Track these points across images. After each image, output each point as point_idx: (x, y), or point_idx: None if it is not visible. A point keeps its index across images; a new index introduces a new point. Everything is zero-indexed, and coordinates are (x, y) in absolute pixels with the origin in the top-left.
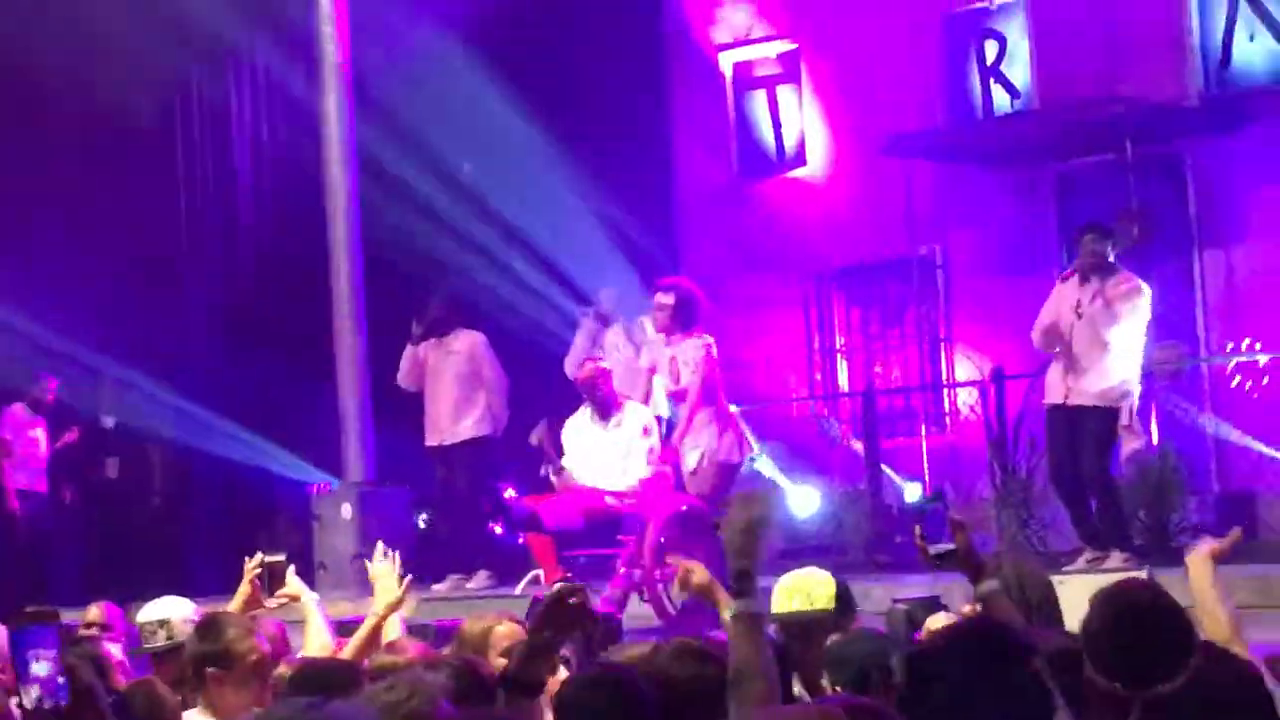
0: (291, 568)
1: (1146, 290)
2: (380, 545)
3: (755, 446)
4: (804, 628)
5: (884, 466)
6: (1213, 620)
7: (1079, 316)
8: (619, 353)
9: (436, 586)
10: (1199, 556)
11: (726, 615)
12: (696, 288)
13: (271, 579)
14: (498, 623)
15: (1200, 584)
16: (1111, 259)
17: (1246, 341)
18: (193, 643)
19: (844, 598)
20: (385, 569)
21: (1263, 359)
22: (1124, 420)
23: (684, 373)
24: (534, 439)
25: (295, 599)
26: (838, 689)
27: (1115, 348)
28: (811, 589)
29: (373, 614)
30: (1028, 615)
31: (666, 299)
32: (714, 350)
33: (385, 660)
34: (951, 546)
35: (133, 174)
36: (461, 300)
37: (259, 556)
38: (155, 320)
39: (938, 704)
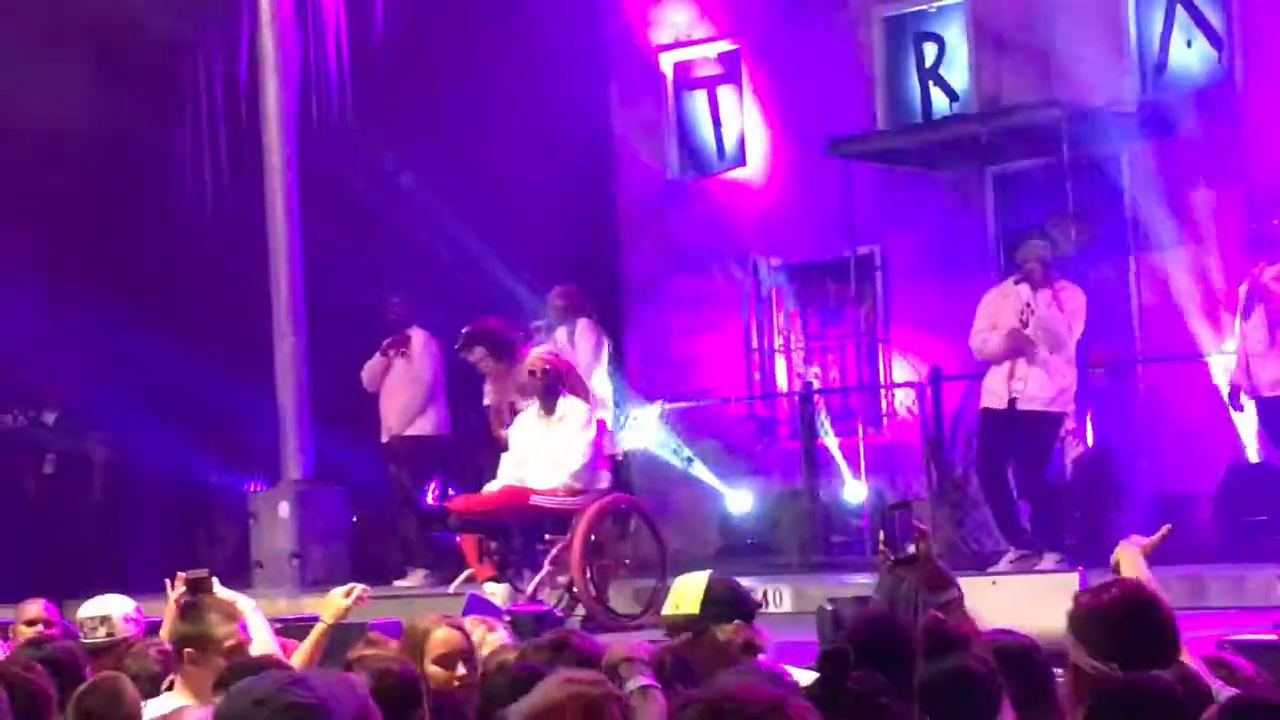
0: (215, 580)
1: (1082, 293)
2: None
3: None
4: (678, 630)
5: (837, 457)
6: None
7: (1024, 324)
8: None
9: (400, 582)
10: (1129, 551)
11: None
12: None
13: (198, 593)
14: (436, 627)
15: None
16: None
17: None
18: (176, 625)
19: (721, 601)
20: (340, 591)
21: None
22: (1070, 425)
23: None
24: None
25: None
26: None
27: (1061, 354)
28: (681, 594)
29: (321, 623)
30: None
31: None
32: None
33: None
34: (913, 553)
35: (68, 169)
36: (418, 300)
37: (180, 578)
38: (94, 318)
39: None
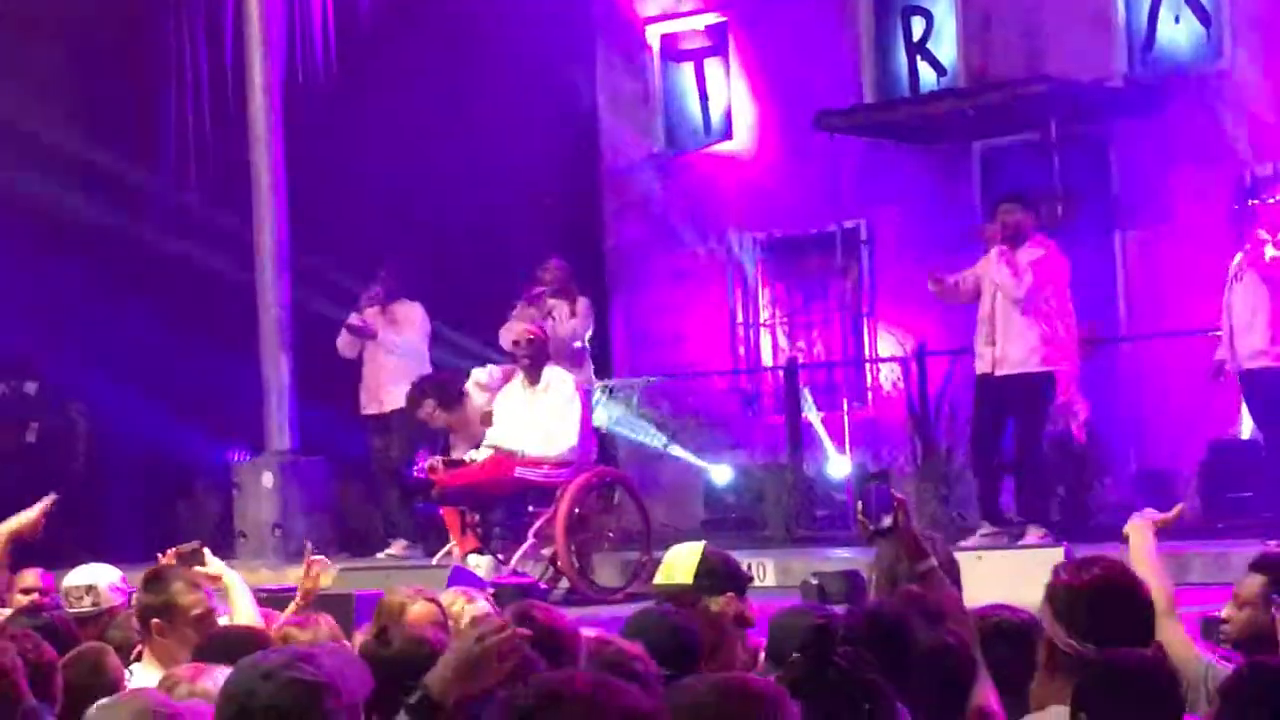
0: (207, 551)
1: (1055, 253)
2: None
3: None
4: (671, 600)
5: (821, 433)
6: (1152, 588)
7: (995, 288)
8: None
9: (385, 553)
10: (1141, 526)
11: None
12: None
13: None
14: (413, 601)
15: (1139, 554)
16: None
17: None
18: (139, 595)
19: (715, 573)
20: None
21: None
22: (1063, 386)
23: None
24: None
25: (217, 580)
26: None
27: (1034, 314)
28: (674, 564)
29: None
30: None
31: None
32: None
33: (288, 634)
34: (890, 523)
35: (49, 140)
36: (406, 271)
37: (171, 552)
38: (78, 288)
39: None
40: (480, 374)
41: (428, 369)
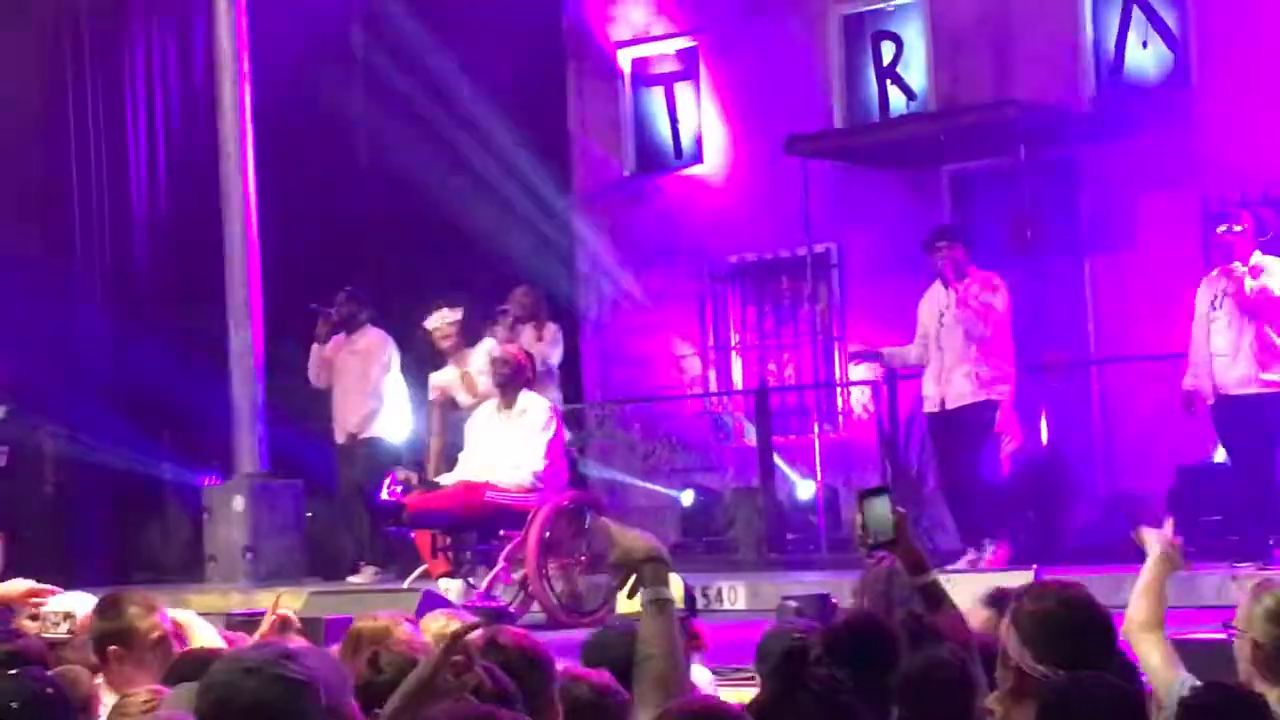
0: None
1: (1001, 284)
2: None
3: None
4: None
5: (778, 460)
6: (1151, 606)
7: (941, 324)
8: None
9: (353, 578)
10: (1168, 555)
11: (637, 601)
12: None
13: None
14: (395, 624)
15: (1155, 576)
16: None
17: None
18: (94, 621)
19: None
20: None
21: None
22: (1001, 416)
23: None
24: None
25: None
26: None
27: (982, 345)
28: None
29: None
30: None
31: (455, 315)
32: None
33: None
34: (892, 537)
35: (23, 160)
36: (367, 298)
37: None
38: (47, 311)
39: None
40: (487, 348)
41: (388, 395)
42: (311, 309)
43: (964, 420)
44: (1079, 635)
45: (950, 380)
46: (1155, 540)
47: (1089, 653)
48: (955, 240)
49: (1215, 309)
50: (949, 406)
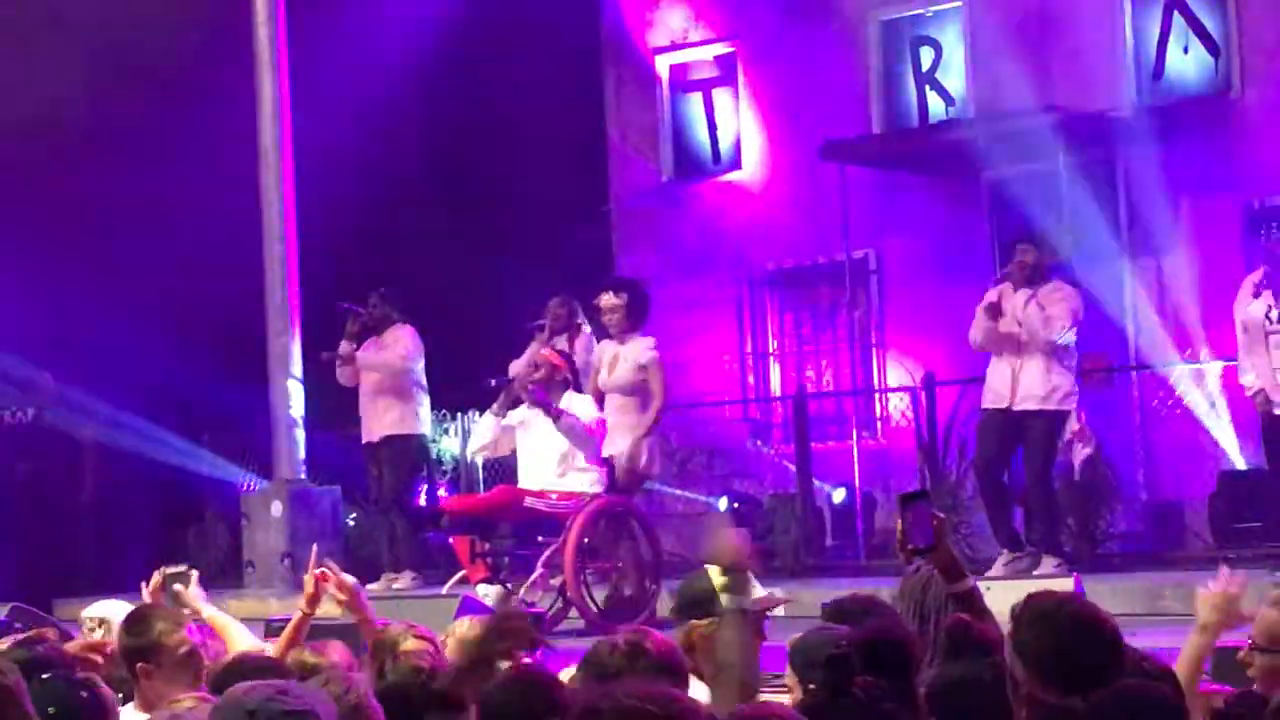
0: (194, 574)
1: (1077, 295)
2: (314, 549)
3: None
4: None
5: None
6: (1188, 676)
7: (1018, 324)
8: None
9: (370, 586)
10: (1217, 622)
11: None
12: (646, 289)
13: (176, 587)
14: (404, 636)
15: (1195, 652)
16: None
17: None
18: (122, 637)
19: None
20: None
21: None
22: (1074, 426)
23: (622, 369)
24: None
25: (197, 614)
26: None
27: (1052, 352)
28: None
29: (300, 612)
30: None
31: (619, 299)
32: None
33: (305, 659)
34: (931, 544)
35: (64, 169)
36: (400, 299)
37: (159, 572)
38: (87, 317)
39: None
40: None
41: (415, 395)
42: (343, 308)
43: (1030, 423)
44: (1084, 655)
45: (1020, 383)
46: (1209, 605)
47: (1096, 669)
48: (1031, 246)
49: (1273, 321)
50: (1017, 407)
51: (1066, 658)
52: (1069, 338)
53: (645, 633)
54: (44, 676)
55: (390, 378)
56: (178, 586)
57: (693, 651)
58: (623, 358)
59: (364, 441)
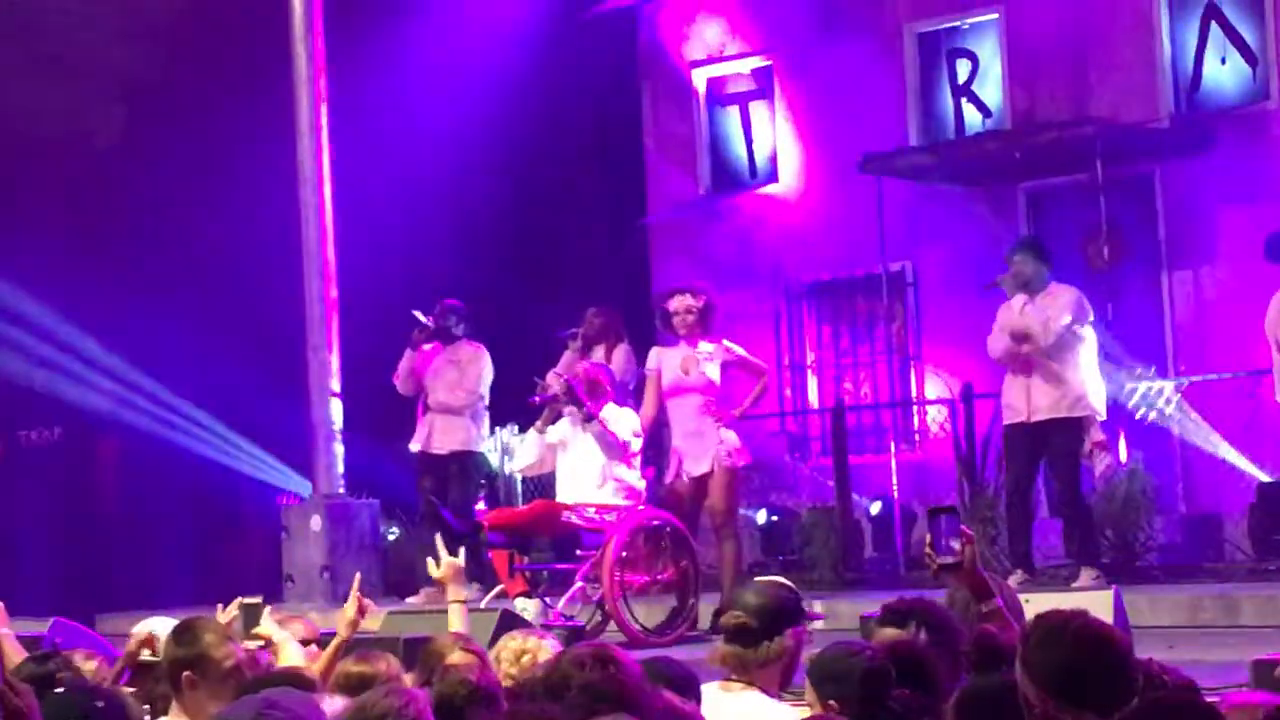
0: (268, 610)
1: (1079, 294)
2: (357, 576)
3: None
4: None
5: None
6: None
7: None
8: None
9: (410, 599)
10: None
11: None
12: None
13: (247, 620)
14: (451, 650)
15: None
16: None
17: None
18: (169, 648)
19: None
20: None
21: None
22: (1096, 436)
23: (708, 367)
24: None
25: (268, 641)
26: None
27: (1063, 360)
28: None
29: (338, 637)
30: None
31: (696, 301)
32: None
33: (361, 670)
34: (959, 559)
35: (108, 180)
36: (466, 312)
37: (237, 603)
38: (129, 329)
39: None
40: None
41: (482, 414)
42: (413, 315)
43: (1050, 434)
44: (1093, 671)
45: (1034, 393)
46: None
47: (1108, 685)
48: (1028, 256)
49: None
50: (1034, 419)
51: (1076, 675)
52: (1087, 332)
53: (610, 654)
54: (58, 690)
55: (458, 390)
56: (265, 614)
57: None
58: (700, 358)
59: (421, 450)
